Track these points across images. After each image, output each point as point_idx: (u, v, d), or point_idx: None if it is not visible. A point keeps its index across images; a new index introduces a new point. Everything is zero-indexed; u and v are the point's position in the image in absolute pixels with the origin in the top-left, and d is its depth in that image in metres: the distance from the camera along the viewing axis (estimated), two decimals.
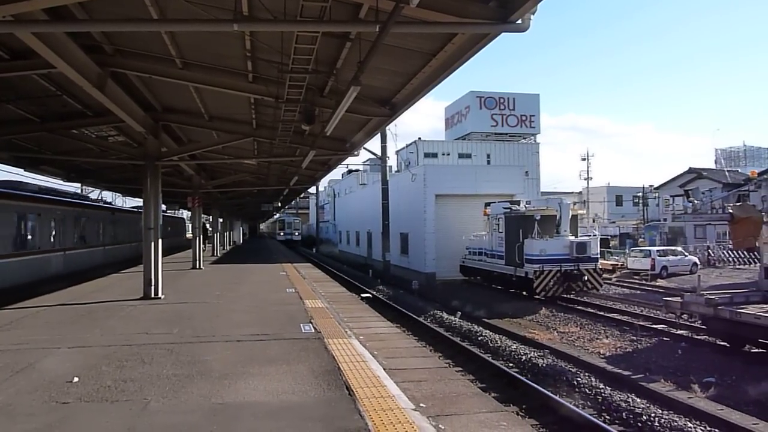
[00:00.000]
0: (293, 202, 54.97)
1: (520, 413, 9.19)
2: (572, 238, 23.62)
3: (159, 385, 6.66)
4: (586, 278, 22.77)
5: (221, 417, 5.63)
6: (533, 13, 6.88)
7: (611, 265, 33.03)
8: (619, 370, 12.59)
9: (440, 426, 6.00)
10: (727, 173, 48.66)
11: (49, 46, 8.01)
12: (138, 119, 13.47)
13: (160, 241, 14.72)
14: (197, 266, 24.79)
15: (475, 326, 16.94)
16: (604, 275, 26.48)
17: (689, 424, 8.64)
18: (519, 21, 6.98)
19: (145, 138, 14.59)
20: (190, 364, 7.65)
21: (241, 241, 64.65)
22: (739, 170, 62.37)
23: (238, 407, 5.90)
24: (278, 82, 10.75)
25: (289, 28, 8.06)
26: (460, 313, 20.20)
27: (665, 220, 52.74)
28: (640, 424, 8.88)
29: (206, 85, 11.68)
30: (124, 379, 6.98)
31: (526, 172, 41.94)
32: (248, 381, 6.81)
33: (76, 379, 6.96)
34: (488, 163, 51.78)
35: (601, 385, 10.61)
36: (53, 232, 20.75)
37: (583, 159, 73.88)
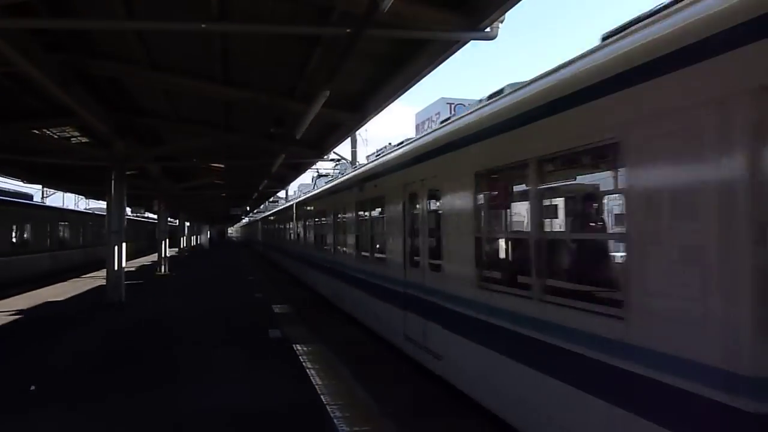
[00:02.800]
0: (262, 206, 54.40)
1: None
2: None
3: None
4: None
5: None
6: (501, 22, 6.97)
7: None
8: None
9: None
10: None
11: (9, 43, 7.77)
12: (103, 120, 13.19)
13: (124, 245, 14.42)
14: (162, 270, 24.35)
15: None
16: None
17: None
18: (488, 29, 7.08)
19: (111, 139, 14.27)
20: None
21: (209, 245, 63.64)
22: None
23: None
24: (249, 85, 10.65)
25: (258, 29, 8.00)
26: None
27: None
28: None
29: (175, 86, 11.49)
30: None
31: None
32: None
33: None
34: None
35: None
36: None
37: None
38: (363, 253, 11.38)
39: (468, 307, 6.22)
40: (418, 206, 8.25)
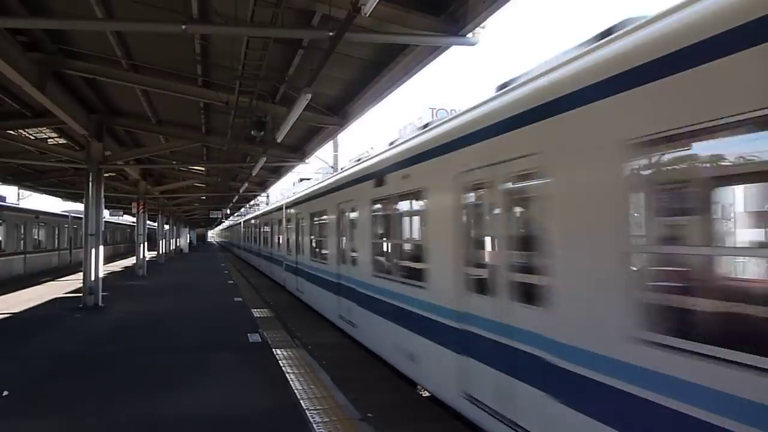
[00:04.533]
0: (243, 209, 54.06)
1: None
2: None
3: None
4: None
5: None
6: (483, 28, 7.03)
7: None
8: None
9: None
10: None
11: None
12: (81, 121, 13.01)
13: (101, 248, 14.21)
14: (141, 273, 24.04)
15: None
16: None
17: None
18: (470, 35, 7.13)
19: (88, 141, 14.08)
20: None
21: (188, 249, 62.98)
22: None
23: None
24: (229, 88, 10.60)
25: (239, 32, 7.96)
26: None
27: None
28: None
29: (154, 88, 11.38)
30: None
31: None
32: None
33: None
34: None
35: None
36: None
37: None
38: (314, 254, 14.04)
39: (367, 289, 8.95)
40: (344, 219, 10.82)
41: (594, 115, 3.74)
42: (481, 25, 6.95)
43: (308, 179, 64.88)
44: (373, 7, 5.36)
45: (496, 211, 5.07)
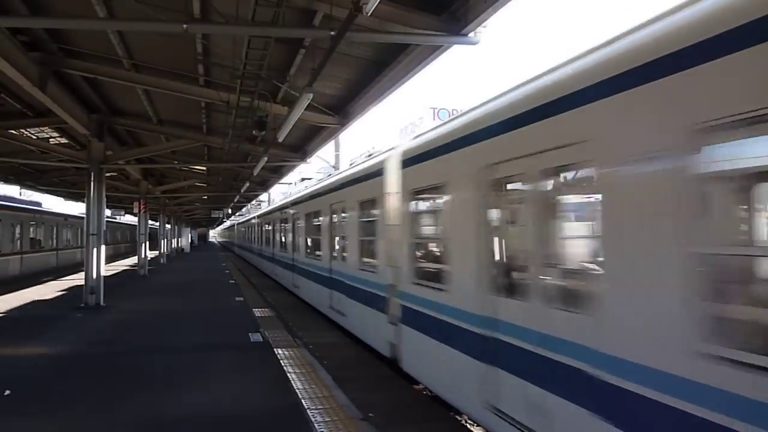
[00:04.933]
0: (244, 209, 54.07)
1: None
2: None
3: None
4: None
5: None
6: (484, 27, 7.01)
7: None
8: None
9: None
10: None
11: None
12: (82, 121, 13.02)
13: (103, 247, 14.21)
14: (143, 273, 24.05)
15: None
16: None
17: None
18: (471, 35, 7.12)
19: (89, 140, 14.09)
20: None
21: (190, 249, 63.00)
22: None
23: None
24: (230, 87, 10.59)
25: (240, 31, 7.94)
26: None
27: None
28: None
29: (155, 87, 11.36)
30: None
31: None
32: None
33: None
34: None
35: None
36: None
37: None
38: (308, 252, 15.26)
39: (353, 281, 10.26)
40: (336, 218, 11.91)
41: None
42: (483, 24, 6.92)
43: (309, 179, 65.05)
44: (375, 6, 5.35)
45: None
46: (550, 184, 4.39)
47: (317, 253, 13.92)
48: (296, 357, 8.49)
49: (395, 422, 6.14)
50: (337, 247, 11.93)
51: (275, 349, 8.95)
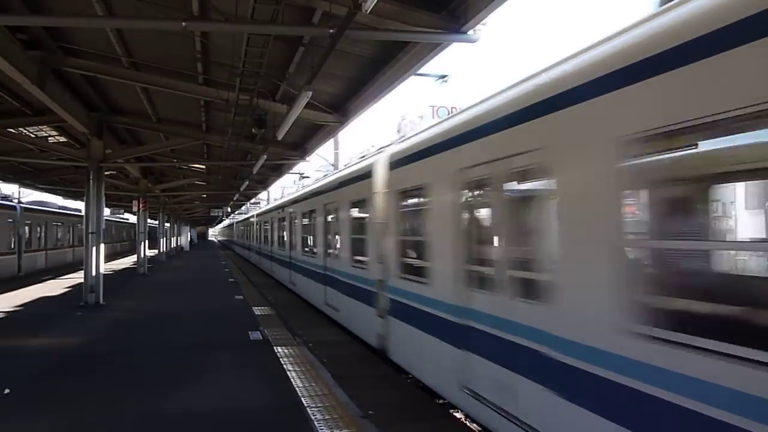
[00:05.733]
0: (243, 208, 54.06)
1: None
2: None
3: None
4: None
5: None
6: (483, 25, 7.01)
7: None
8: None
9: None
10: None
11: None
12: (81, 119, 13.01)
13: (102, 246, 14.21)
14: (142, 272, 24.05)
15: None
16: None
17: None
18: (470, 32, 7.11)
19: (89, 139, 14.08)
20: None
21: (189, 247, 62.98)
22: None
23: None
24: (229, 85, 10.57)
25: (239, 29, 7.94)
26: None
27: None
28: None
29: (155, 86, 11.37)
30: None
31: None
32: None
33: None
34: None
35: None
36: None
37: None
38: (304, 250, 15.73)
39: (345, 277, 10.68)
40: (330, 218, 12.44)
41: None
42: (482, 22, 6.93)
43: (308, 177, 65.01)
44: (374, 4, 5.35)
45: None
46: (509, 187, 4.99)
47: (313, 251, 14.46)
48: (296, 355, 8.49)
49: (395, 420, 6.15)
50: (331, 245, 12.39)
51: (275, 347, 8.96)
